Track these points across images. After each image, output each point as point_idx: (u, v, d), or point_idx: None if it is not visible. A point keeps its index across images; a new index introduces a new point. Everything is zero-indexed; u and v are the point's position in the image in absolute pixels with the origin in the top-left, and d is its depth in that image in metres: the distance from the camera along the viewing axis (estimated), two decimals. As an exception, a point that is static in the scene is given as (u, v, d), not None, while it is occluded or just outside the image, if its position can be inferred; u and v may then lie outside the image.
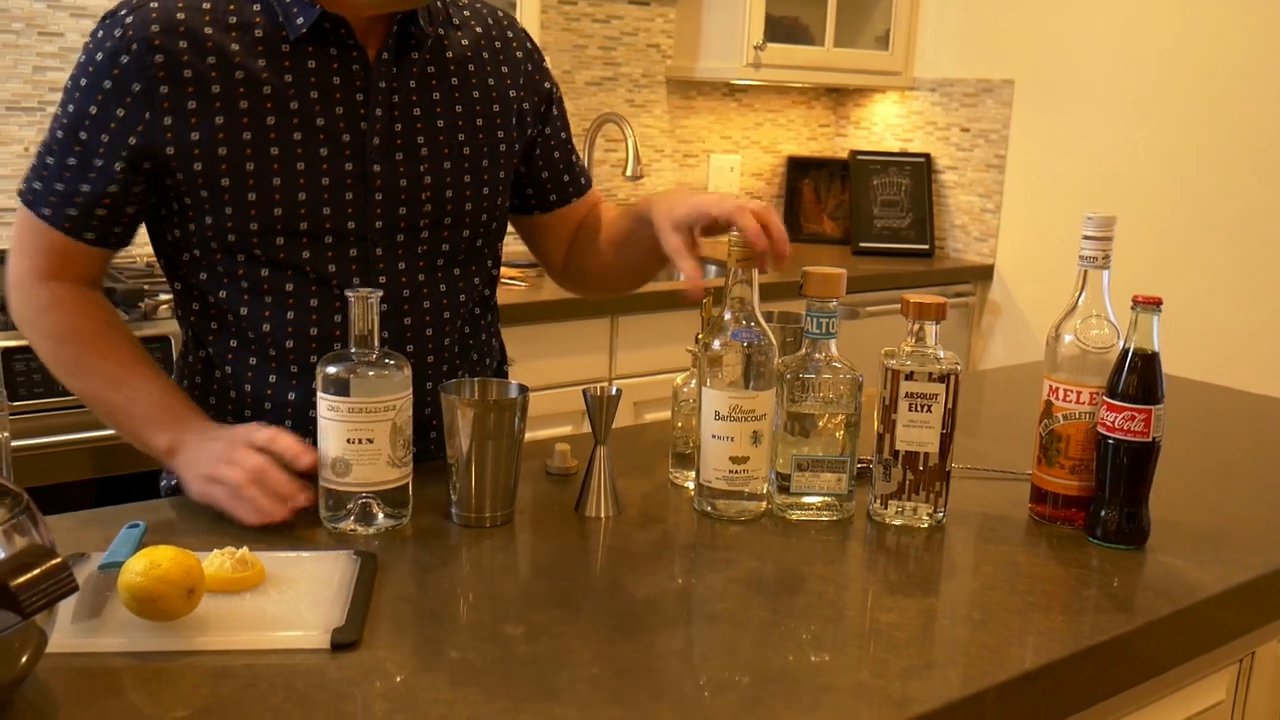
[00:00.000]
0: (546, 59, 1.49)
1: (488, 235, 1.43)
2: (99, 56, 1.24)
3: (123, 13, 1.25)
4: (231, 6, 1.27)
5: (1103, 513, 1.23)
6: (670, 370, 2.72)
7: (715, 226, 1.24)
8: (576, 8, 3.24)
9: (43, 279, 1.30)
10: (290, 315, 1.31)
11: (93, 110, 1.24)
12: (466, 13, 1.42)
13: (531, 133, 1.46)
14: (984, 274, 3.49)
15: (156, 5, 1.25)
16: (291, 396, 1.33)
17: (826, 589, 1.11)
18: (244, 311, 1.31)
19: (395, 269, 1.34)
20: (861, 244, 3.58)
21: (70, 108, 1.26)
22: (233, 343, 1.33)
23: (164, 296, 2.15)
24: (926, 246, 3.57)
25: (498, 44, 1.43)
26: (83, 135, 1.25)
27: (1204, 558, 1.21)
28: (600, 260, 1.51)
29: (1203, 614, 1.12)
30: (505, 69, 1.42)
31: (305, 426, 1.32)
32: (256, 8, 1.27)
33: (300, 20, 1.26)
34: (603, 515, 1.25)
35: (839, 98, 3.87)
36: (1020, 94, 3.36)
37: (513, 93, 1.42)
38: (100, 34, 1.25)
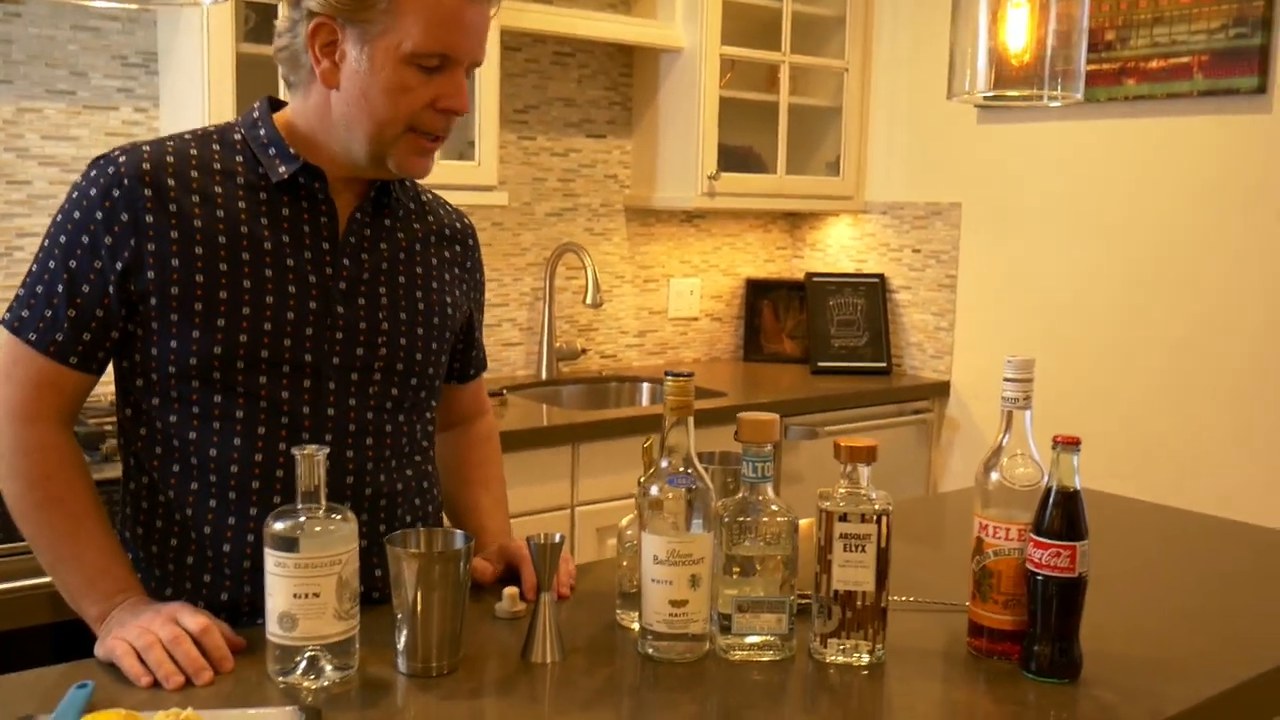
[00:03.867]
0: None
1: (430, 389, 1.52)
2: (92, 192, 1.34)
3: (116, 154, 1.36)
4: (216, 154, 1.40)
5: (1035, 647, 1.26)
6: (634, 495, 2.74)
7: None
8: (535, 143, 3.34)
9: (26, 418, 1.35)
10: (237, 441, 1.37)
11: (84, 240, 1.33)
12: (426, 198, 1.58)
13: (466, 310, 1.60)
14: (941, 390, 3.55)
15: (148, 149, 1.37)
16: (231, 521, 1.38)
17: (765, 733, 1.13)
18: (192, 436, 1.37)
19: (345, 404, 1.42)
20: (820, 363, 3.65)
21: (62, 239, 1.34)
22: (176, 468, 1.39)
23: (125, 438, 2.17)
24: (884, 364, 3.64)
25: (458, 225, 1.60)
26: (72, 264, 1.33)
27: (1136, 690, 1.24)
28: (443, 465, 1.65)
29: (1134, 748, 1.15)
30: (459, 248, 1.58)
31: (243, 550, 1.38)
32: (239, 159, 1.40)
33: (283, 169, 1.39)
34: (548, 661, 1.27)
35: (795, 221, 3.98)
36: (967, 216, 3.47)
37: (458, 270, 1.57)
38: (94, 173, 1.35)
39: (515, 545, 1.52)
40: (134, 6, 2.39)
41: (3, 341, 1.38)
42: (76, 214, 1.35)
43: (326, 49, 1.35)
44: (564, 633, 1.30)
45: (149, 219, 1.33)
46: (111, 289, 1.33)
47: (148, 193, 1.34)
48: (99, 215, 1.33)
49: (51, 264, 1.35)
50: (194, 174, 1.37)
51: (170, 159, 1.37)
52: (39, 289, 1.35)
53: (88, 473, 1.39)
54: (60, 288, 1.34)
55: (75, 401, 1.39)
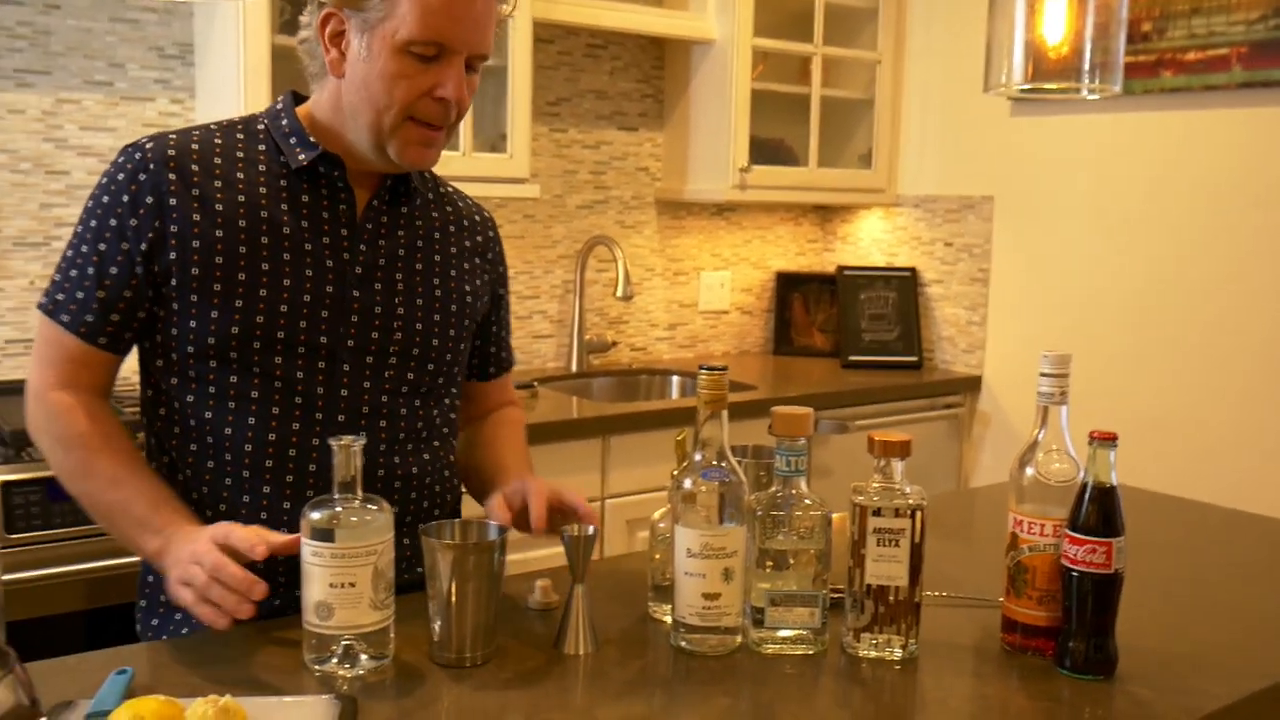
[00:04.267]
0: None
1: (449, 375, 1.54)
2: (120, 177, 1.39)
3: (143, 141, 1.41)
4: (240, 142, 1.44)
5: (1070, 643, 1.25)
6: (663, 488, 2.74)
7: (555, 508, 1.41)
8: (567, 135, 3.35)
9: (56, 387, 1.40)
10: (251, 421, 1.40)
11: (112, 223, 1.38)
12: (446, 189, 1.60)
13: (488, 301, 1.61)
14: (972, 385, 3.53)
15: (174, 137, 1.42)
16: (246, 499, 1.41)
17: (798, 726, 1.13)
18: (208, 415, 1.40)
19: (359, 386, 1.44)
20: (851, 357, 3.63)
21: (92, 223, 1.39)
22: (193, 446, 1.42)
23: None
24: (915, 358, 3.62)
25: (477, 217, 1.61)
26: (101, 247, 1.38)
27: (1171, 687, 1.23)
28: (464, 444, 1.65)
29: (1170, 746, 1.14)
30: (479, 239, 1.59)
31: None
32: (262, 147, 1.44)
33: (302, 156, 1.42)
34: (581, 652, 1.28)
35: (826, 214, 3.96)
36: (1000, 210, 3.45)
37: (478, 260, 1.58)
38: (122, 159, 1.40)
39: (534, 481, 1.43)
40: (170, -1, 2.41)
41: (37, 324, 1.42)
42: (105, 199, 1.39)
43: (335, 39, 1.38)
44: (596, 625, 1.31)
45: (172, 201, 1.37)
46: (138, 270, 1.37)
47: (172, 177, 1.38)
48: (125, 199, 1.38)
49: (83, 248, 1.39)
50: (217, 160, 1.41)
51: (195, 146, 1.41)
52: (72, 273, 1.40)
53: (122, 427, 1.43)
54: (90, 270, 1.38)
55: (105, 379, 1.43)
